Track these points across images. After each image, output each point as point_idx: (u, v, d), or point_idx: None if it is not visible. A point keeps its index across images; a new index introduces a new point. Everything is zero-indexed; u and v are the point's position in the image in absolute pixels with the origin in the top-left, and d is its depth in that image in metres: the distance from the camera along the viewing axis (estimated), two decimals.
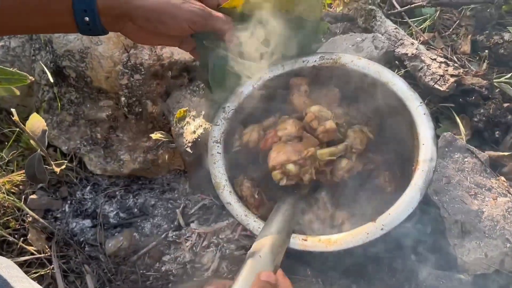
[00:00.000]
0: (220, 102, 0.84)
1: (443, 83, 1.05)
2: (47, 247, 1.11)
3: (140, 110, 1.07)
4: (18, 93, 1.03)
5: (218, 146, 0.82)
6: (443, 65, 1.07)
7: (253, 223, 0.74)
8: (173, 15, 0.71)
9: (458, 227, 0.87)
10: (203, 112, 0.93)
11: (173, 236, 1.07)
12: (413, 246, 0.87)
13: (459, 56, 1.20)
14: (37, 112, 1.18)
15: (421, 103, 0.80)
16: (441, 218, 0.87)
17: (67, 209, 1.17)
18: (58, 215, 1.16)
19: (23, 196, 1.15)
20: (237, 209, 0.75)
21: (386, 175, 0.88)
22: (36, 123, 0.99)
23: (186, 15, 0.71)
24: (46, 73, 1.11)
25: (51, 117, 1.18)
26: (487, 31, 1.22)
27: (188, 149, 0.95)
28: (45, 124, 1.00)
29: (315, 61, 0.88)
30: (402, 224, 0.71)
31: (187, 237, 1.07)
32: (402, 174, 0.85)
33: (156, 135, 0.96)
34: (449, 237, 0.86)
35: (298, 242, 0.71)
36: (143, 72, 1.04)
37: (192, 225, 1.07)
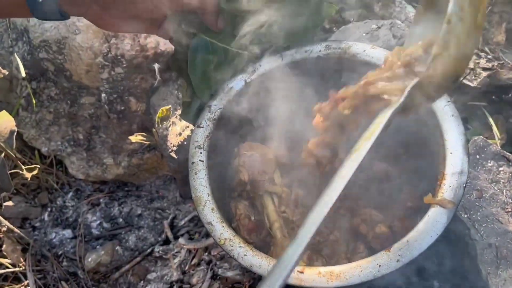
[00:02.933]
0: (204, 99, 0.71)
1: (473, 77, 0.90)
2: (22, 259, 1.00)
3: (123, 108, 0.95)
4: None
5: (201, 153, 0.68)
6: (473, 56, 0.92)
7: (238, 249, 0.60)
8: None
9: (492, 252, 0.72)
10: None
11: (160, 251, 0.95)
12: (437, 275, 0.73)
13: (491, 47, 1.04)
14: (15, 109, 1.07)
15: (448, 102, 0.66)
16: (471, 241, 0.72)
17: (46, 218, 1.05)
18: (37, 224, 1.05)
19: None
20: (220, 231, 0.61)
21: (405, 187, 0.73)
22: (4, 122, 0.88)
23: None
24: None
25: (29, 115, 1.07)
26: None
27: (173, 154, 0.82)
28: (14, 124, 0.88)
29: (320, 50, 0.74)
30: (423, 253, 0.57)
31: (175, 252, 0.94)
32: (424, 187, 0.71)
33: (136, 138, 0.83)
34: (481, 264, 0.71)
35: (292, 274, 0.57)
36: (124, 65, 0.91)
37: (181, 240, 0.94)
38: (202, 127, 0.70)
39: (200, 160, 0.68)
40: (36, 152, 1.07)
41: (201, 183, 0.66)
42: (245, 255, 0.59)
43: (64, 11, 0.61)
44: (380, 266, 0.56)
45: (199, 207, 0.64)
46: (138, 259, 0.95)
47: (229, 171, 0.76)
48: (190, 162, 0.68)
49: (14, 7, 0.60)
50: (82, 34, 0.94)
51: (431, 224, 0.58)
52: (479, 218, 0.75)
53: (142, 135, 0.84)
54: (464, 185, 0.60)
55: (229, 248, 0.60)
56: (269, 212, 0.70)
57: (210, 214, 0.63)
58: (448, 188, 0.60)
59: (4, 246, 1.00)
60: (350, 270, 0.56)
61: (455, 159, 0.61)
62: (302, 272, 0.57)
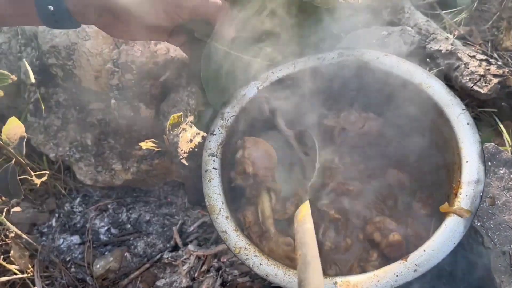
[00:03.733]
0: (216, 106, 0.70)
1: (484, 84, 0.90)
2: (30, 266, 0.99)
3: (132, 114, 0.94)
4: (1, 93, 0.91)
5: (214, 161, 0.68)
6: (484, 63, 0.92)
7: (254, 258, 0.60)
8: None
9: (505, 260, 0.72)
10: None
11: (169, 258, 0.94)
12: (451, 284, 0.72)
13: (501, 53, 1.04)
14: (23, 115, 1.07)
15: (463, 110, 0.65)
16: (485, 249, 0.72)
17: (54, 223, 1.05)
18: (44, 230, 1.05)
19: (5, 209, 1.04)
20: (235, 239, 0.61)
21: (418, 195, 0.73)
22: (13, 128, 0.87)
23: None
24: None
25: (38, 120, 1.06)
26: None
27: (184, 161, 0.81)
28: (24, 130, 0.88)
29: (333, 58, 0.74)
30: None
31: (185, 259, 0.93)
32: (439, 196, 0.70)
33: (146, 144, 0.83)
34: (494, 273, 0.71)
35: None
36: (135, 71, 0.91)
37: (190, 246, 0.93)
38: (215, 135, 0.70)
39: (213, 168, 0.67)
40: (44, 157, 1.07)
41: (214, 191, 0.66)
42: (260, 264, 0.59)
43: (75, 19, 0.60)
44: (397, 276, 0.56)
45: (213, 216, 0.63)
46: (147, 265, 0.95)
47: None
48: (203, 170, 0.68)
49: (26, 16, 0.60)
50: (91, 40, 0.93)
51: (448, 233, 0.58)
52: (492, 226, 0.74)
53: (153, 142, 0.84)
54: (481, 194, 0.60)
55: (244, 257, 0.60)
56: (264, 208, 0.70)
57: (225, 223, 0.63)
58: (464, 197, 0.60)
59: (12, 252, 1.00)
60: (367, 280, 0.56)
61: (471, 168, 0.61)
62: None
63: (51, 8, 0.57)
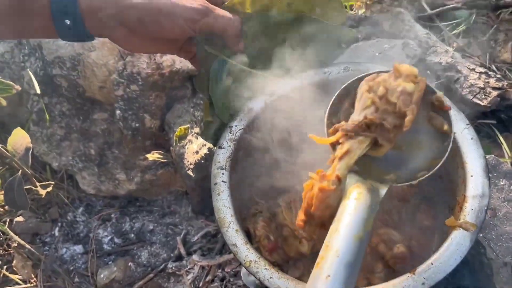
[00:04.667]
0: (224, 119, 0.71)
1: (483, 96, 0.92)
2: (33, 275, 0.99)
3: (137, 125, 0.95)
4: (4, 103, 0.92)
5: (223, 174, 0.69)
6: (483, 76, 0.94)
7: (264, 271, 0.60)
8: (169, 13, 0.59)
9: (508, 271, 0.73)
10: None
11: (173, 268, 0.95)
12: None
13: (498, 65, 1.06)
14: (27, 124, 1.07)
15: (467, 125, 0.67)
16: (487, 260, 0.73)
17: (56, 233, 1.05)
18: (47, 240, 1.05)
19: (8, 218, 1.04)
20: (245, 253, 0.62)
21: (422, 207, 0.75)
22: (19, 139, 0.88)
23: (185, 13, 0.59)
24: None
25: (41, 130, 1.06)
26: None
27: (190, 172, 0.82)
28: (30, 140, 0.89)
29: (339, 72, 0.75)
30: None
31: (189, 269, 0.94)
32: (442, 208, 0.72)
33: (153, 156, 0.84)
34: (497, 283, 0.72)
35: None
36: (140, 83, 0.92)
37: (195, 256, 0.94)
38: (223, 148, 0.71)
39: (222, 181, 0.68)
40: (47, 167, 1.07)
41: (224, 204, 0.66)
42: (271, 277, 0.60)
43: (91, 33, 0.61)
44: None
45: (223, 229, 0.64)
46: (151, 275, 0.95)
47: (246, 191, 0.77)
48: (212, 183, 0.68)
49: (42, 30, 0.61)
50: (97, 51, 0.94)
51: (455, 246, 0.59)
52: (494, 237, 0.76)
53: (159, 153, 0.85)
54: (486, 208, 0.61)
55: (254, 270, 0.61)
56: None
57: (235, 236, 0.63)
58: (470, 211, 0.61)
59: (14, 261, 1.00)
60: None
61: (476, 182, 0.63)
62: None
63: (67, 22, 0.57)
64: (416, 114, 0.55)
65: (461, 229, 0.60)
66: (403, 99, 0.55)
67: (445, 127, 0.58)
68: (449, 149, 0.57)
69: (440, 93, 0.58)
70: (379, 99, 0.57)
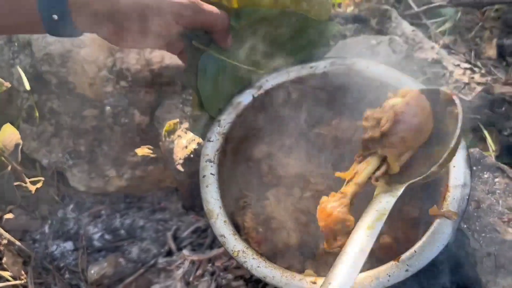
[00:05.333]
0: (212, 113, 0.72)
1: (468, 92, 0.94)
2: (23, 272, 0.99)
3: (127, 121, 0.96)
4: None
5: (211, 166, 0.70)
6: (468, 71, 0.96)
7: (252, 260, 0.61)
8: (157, 8, 0.60)
9: (491, 261, 0.75)
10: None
11: (164, 263, 0.95)
12: (438, 284, 0.75)
13: (483, 61, 1.08)
14: (17, 122, 1.07)
15: None
16: (471, 250, 0.75)
17: (47, 230, 1.05)
18: (37, 237, 1.05)
19: None
20: (233, 243, 0.63)
21: (408, 199, 0.76)
22: (9, 135, 0.88)
23: (173, 7, 0.60)
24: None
25: (31, 127, 1.07)
26: None
27: (179, 167, 0.83)
28: (19, 137, 0.89)
29: (325, 67, 0.76)
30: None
31: (179, 264, 0.95)
32: (427, 199, 0.73)
33: (142, 151, 0.84)
34: (480, 273, 0.74)
35: (305, 285, 0.59)
36: (129, 79, 0.92)
37: (185, 251, 0.95)
38: (212, 141, 0.72)
39: (211, 174, 0.69)
40: (37, 164, 1.07)
41: (212, 196, 0.67)
42: (258, 266, 0.61)
43: (79, 28, 0.62)
44: (389, 276, 0.58)
45: (212, 220, 0.65)
46: (142, 270, 0.95)
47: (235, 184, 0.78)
48: (201, 175, 0.69)
49: (30, 25, 0.61)
50: (86, 47, 0.95)
51: (437, 235, 0.60)
52: (477, 228, 0.77)
53: (148, 148, 0.85)
54: (467, 197, 0.63)
55: (242, 259, 0.62)
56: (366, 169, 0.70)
57: (223, 227, 0.64)
58: (452, 200, 0.62)
59: (4, 258, 1.00)
60: (361, 280, 0.58)
61: (458, 172, 0.64)
62: (315, 283, 0.59)
63: (55, 17, 0.58)
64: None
65: (443, 217, 0.62)
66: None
67: (455, 110, 0.59)
68: (458, 130, 0.58)
69: (443, 88, 0.60)
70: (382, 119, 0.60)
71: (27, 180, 0.92)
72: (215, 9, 0.65)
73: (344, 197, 0.61)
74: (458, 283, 0.77)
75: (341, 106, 0.76)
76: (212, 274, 0.92)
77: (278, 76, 0.76)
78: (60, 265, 1.00)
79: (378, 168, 0.63)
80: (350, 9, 1.21)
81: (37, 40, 0.98)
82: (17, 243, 1.00)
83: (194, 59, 0.69)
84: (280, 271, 0.60)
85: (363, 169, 0.63)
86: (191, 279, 0.92)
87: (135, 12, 0.59)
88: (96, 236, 1.03)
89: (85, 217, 1.06)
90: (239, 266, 0.90)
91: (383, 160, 0.63)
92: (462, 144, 0.66)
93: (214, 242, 0.95)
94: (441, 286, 0.77)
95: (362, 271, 0.61)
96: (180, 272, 0.93)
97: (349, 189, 0.62)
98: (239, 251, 0.62)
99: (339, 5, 1.25)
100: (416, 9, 1.16)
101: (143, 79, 0.93)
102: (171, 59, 0.92)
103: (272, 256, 0.71)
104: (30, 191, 0.92)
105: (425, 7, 1.16)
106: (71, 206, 1.08)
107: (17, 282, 0.97)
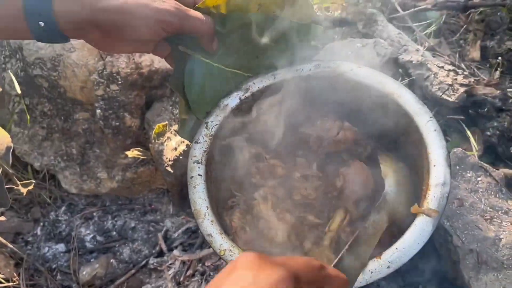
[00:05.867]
0: (200, 116, 0.74)
1: (452, 93, 0.95)
2: (16, 274, 1.00)
3: (118, 123, 0.97)
4: None
5: (199, 167, 0.71)
6: (451, 73, 0.97)
7: None
8: (143, 15, 0.61)
9: (473, 258, 0.76)
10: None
11: (155, 263, 0.97)
12: (422, 279, 0.77)
13: (467, 63, 1.10)
14: (8, 125, 1.08)
15: (431, 117, 0.70)
16: (454, 247, 0.77)
17: (39, 232, 1.06)
18: (29, 239, 1.06)
19: None
20: (220, 242, 0.64)
21: None
22: (0, 139, 0.89)
23: (158, 15, 0.61)
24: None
25: (22, 130, 1.08)
26: (498, 37, 1.12)
27: (169, 168, 0.85)
28: (10, 140, 0.90)
29: (310, 69, 0.78)
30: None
31: (170, 264, 0.96)
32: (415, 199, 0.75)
33: (132, 153, 0.86)
34: (463, 269, 0.76)
35: None
36: (120, 82, 0.94)
37: (175, 251, 0.96)
38: (199, 143, 0.73)
39: (198, 175, 0.70)
40: (29, 167, 1.08)
41: (200, 197, 0.69)
42: None
43: (65, 35, 0.63)
44: (372, 272, 0.60)
45: (199, 220, 0.67)
46: (133, 271, 0.97)
47: (223, 185, 0.79)
48: (189, 176, 0.71)
49: (16, 30, 0.62)
50: (77, 52, 0.96)
51: (418, 232, 0.62)
52: (460, 226, 0.79)
53: (139, 150, 0.87)
54: (447, 195, 0.64)
55: (229, 258, 0.63)
56: (334, 222, 0.76)
57: (210, 226, 0.66)
58: (432, 198, 0.64)
59: None
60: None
61: (438, 171, 0.66)
62: None
63: (41, 24, 0.59)
64: None
65: (424, 215, 0.63)
66: None
67: None
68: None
69: None
70: None
71: (19, 183, 0.93)
72: (200, 14, 0.66)
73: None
74: (442, 279, 0.79)
75: (326, 107, 0.78)
76: (203, 274, 0.94)
77: (265, 79, 0.77)
78: (52, 266, 1.01)
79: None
80: (337, 13, 1.23)
81: (28, 45, 1.00)
82: (9, 245, 1.01)
83: (181, 63, 0.70)
84: None
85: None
86: (181, 279, 0.94)
87: (120, 20, 0.60)
88: (88, 237, 1.04)
89: (77, 219, 1.07)
90: None
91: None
92: (442, 143, 0.68)
93: (205, 242, 0.97)
94: (425, 282, 0.79)
95: None
96: (171, 272, 0.95)
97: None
98: (225, 249, 0.64)
99: (327, 8, 1.27)
100: (402, 12, 1.18)
101: (133, 82, 0.94)
102: (160, 63, 0.94)
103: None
104: (22, 193, 0.93)
105: (410, 11, 1.18)
106: (63, 208, 1.09)
107: (10, 284, 0.98)
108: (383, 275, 0.60)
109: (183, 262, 0.95)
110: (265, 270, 0.39)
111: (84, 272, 0.97)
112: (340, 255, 0.60)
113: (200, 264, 0.95)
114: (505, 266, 0.76)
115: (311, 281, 0.42)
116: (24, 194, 0.92)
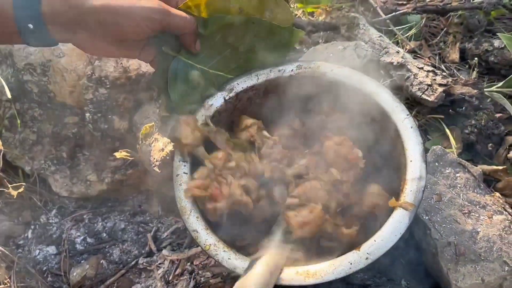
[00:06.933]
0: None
1: (431, 93, 0.99)
2: (7, 277, 1.02)
3: (106, 126, 0.99)
4: None
5: (184, 166, 0.74)
6: (430, 74, 1.01)
7: (223, 253, 0.65)
8: (128, 13, 0.63)
9: (451, 250, 0.79)
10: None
11: (144, 263, 0.98)
12: (403, 272, 0.80)
13: (447, 64, 1.14)
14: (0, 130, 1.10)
15: (407, 115, 0.73)
16: (432, 240, 0.80)
17: (30, 235, 1.08)
18: (20, 242, 1.07)
19: None
20: (205, 237, 0.67)
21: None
22: None
23: (143, 12, 0.64)
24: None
25: (13, 135, 1.09)
26: (476, 39, 1.16)
27: (156, 169, 0.87)
28: (1, 144, 0.91)
29: (292, 70, 0.81)
30: (389, 251, 0.64)
31: (159, 264, 0.98)
32: (391, 193, 0.78)
33: (120, 154, 0.88)
34: (442, 261, 0.78)
35: None
36: (108, 86, 0.96)
37: (164, 251, 0.98)
38: None
39: (184, 173, 0.73)
40: (19, 171, 1.10)
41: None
42: (229, 258, 0.65)
43: (53, 38, 0.65)
44: (351, 264, 0.63)
45: (185, 216, 0.69)
46: (123, 271, 0.98)
47: None
48: (174, 174, 0.73)
49: (6, 35, 0.64)
50: (66, 57, 0.98)
51: (395, 224, 0.65)
52: (439, 219, 0.82)
53: (126, 151, 0.89)
54: (423, 189, 0.67)
55: (214, 252, 0.65)
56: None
57: (195, 222, 0.68)
58: (409, 192, 0.67)
59: None
60: (324, 268, 0.62)
61: (414, 166, 0.69)
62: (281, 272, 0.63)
63: (30, 26, 0.61)
64: None
65: (401, 208, 0.66)
66: None
67: None
68: None
69: None
70: None
71: (9, 186, 0.95)
72: (183, 13, 0.69)
73: None
74: (421, 271, 0.82)
75: (308, 105, 0.81)
76: (191, 272, 0.96)
77: (248, 79, 0.80)
78: (43, 268, 1.02)
79: None
80: (321, 18, 1.27)
81: (18, 51, 1.01)
82: (1, 248, 1.02)
83: (164, 64, 0.73)
84: (249, 261, 0.64)
85: None
86: (170, 278, 0.95)
87: (106, 19, 0.63)
88: (79, 239, 1.06)
89: (67, 222, 1.08)
90: (217, 264, 0.94)
91: None
92: (418, 140, 0.71)
93: (193, 241, 0.99)
94: (405, 275, 0.82)
95: (325, 260, 0.66)
96: (160, 271, 0.97)
97: None
98: (210, 244, 0.66)
99: (312, 14, 1.30)
100: (383, 16, 1.22)
101: (121, 86, 0.96)
102: (147, 67, 0.96)
103: (242, 248, 0.74)
104: (13, 196, 0.94)
105: (392, 15, 1.21)
106: (54, 211, 1.10)
107: (1, 286, 0.99)
108: (362, 266, 0.63)
109: (172, 262, 0.97)
110: None
111: (74, 273, 0.99)
112: None
113: (189, 263, 0.97)
114: (482, 258, 0.78)
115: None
116: (14, 196, 0.94)
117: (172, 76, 0.72)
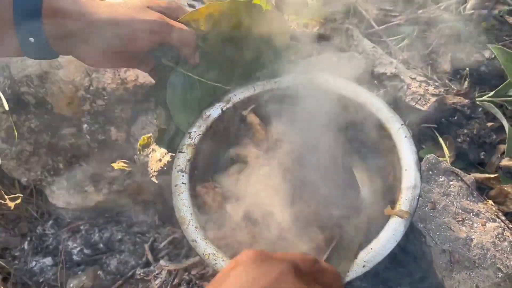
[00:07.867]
0: (182, 128, 0.78)
1: (424, 102, 1.01)
2: None
3: (104, 137, 1.00)
4: None
5: (183, 176, 0.75)
6: (423, 84, 1.03)
7: (221, 262, 0.66)
8: (129, 26, 0.64)
9: (446, 257, 0.81)
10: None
11: (141, 274, 0.98)
12: (398, 279, 0.80)
13: (439, 75, 1.16)
14: None
15: (402, 125, 0.75)
16: (427, 248, 0.81)
17: (26, 247, 1.07)
18: (17, 254, 1.07)
19: None
20: (204, 247, 0.67)
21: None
22: None
23: (144, 24, 0.65)
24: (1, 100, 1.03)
25: (9, 147, 1.09)
26: (467, 49, 1.18)
27: (154, 179, 0.87)
28: None
29: (288, 81, 0.82)
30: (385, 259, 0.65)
31: (157, 274, 0.98)
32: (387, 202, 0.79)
33: (118, 165, 0.88)
34: (436, 268, 0.80)
35: None
36: (105, 97, 0.97)
37: (162, 261, 0.98)
38: (183, 152, 0.77)
39: (182, 183, 0.74)
40: (16, 182, 1.10)
41: (184, 204, 0.72)
42: None
43: (54, 50, 0.66)
44: (348, 271, 0.63)
45: (184, 226, 0.69)
46: (120, 282, 0.98)
47: None
48: (173, 184, 0.74)
49: (8, 48, 0.65)
50: (64, 69, 0.99)
51: (391, 232, 0.66)
52: (433, 227, 0.83)
53: (124, 162, 0.90)
54: (418, 197, 0.68)
55: (213, 261, 0.66)
56: None
57: (194, 232, 0.69)
58: (404, 200, 0.68)
59: None
60: None
61: (409, 175, 0.70)
62: None
63: (32, 40, 0.62)
64: None
65: (396, 217, 0.67)
66: None
67: None
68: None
69: None
70: None
71: (6, 197, 0.95)
72: (184, 26, 0.70)
73: None
74: (416, 278, 0.83)
75: (303, 116, 0.82)
76: (189, 283, 0.96)
77: (245, 90, 0.81)
78: (39, 280, 1.02)
79: None
80: (316, 29, 1.29)
81: (16, 62, 1.02)
82: None
83: (164, 76, 0.74)
84: None
85: None
86: None
87: (108, 32, 0.64)
88: (75, 250, 1.06)
89: (64, 233, 1.08)
90: (215, 274, 0.94)
91: None
92: (412, 149, 0.72)
93: (190, 251, 0.99)
94: (400, 282, 0.83)
95: None
96: (157, 282, 0.97)
97: None
98: (209, 254, 0.67)
99: (306, 25, 1.32)
100: (376, 27, 1.24)
101: (119, 97, 0.97)
102: (145, 78, 0.97)
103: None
104: (10, 207, 0.94)
105: (384, 26, 1.24)
106: (50, 222, 1.10)
107: None
108: (359, 274, 0.63)
109: (170, 272, 0.97)
110: (267, 264, 0.42)
111: (71, 285, 0.99)
112: (327, 255, 0.64)
113: (186, 273, 0.97)
114: (476, 265, 0.80)
115: (308, 273, 0.46)
116: (12, 208, 0.94)
117: (171, 88, 0.74)
